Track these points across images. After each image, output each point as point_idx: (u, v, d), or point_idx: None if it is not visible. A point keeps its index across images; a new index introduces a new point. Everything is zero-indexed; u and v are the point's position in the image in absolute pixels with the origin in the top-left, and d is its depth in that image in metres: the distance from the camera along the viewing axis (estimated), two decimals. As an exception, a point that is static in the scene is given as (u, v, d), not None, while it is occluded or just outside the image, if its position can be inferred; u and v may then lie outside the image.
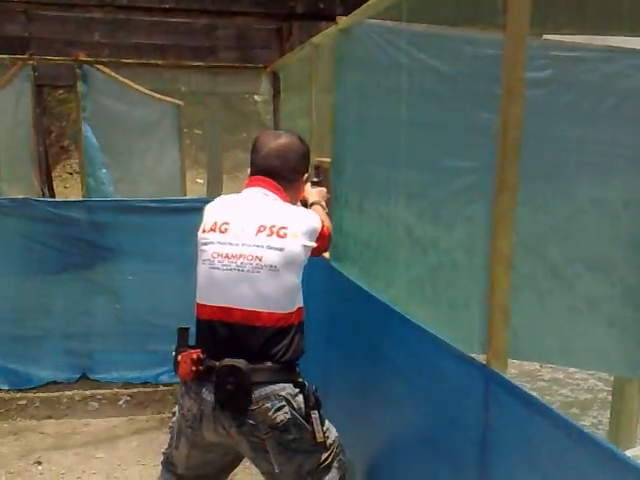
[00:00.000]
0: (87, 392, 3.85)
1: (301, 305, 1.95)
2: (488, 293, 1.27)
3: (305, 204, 2.22)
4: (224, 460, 2.07)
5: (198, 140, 15.03)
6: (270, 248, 1.86)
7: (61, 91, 10.06)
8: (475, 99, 1.89)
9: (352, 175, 2.19)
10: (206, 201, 3.18)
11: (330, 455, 1.95)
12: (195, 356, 1.87)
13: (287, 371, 1.89)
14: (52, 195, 3.70)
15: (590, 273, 1.80)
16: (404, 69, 1.90)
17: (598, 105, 2.06)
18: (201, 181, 13.44)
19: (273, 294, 1.86)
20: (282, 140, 2.01)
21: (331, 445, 1.95)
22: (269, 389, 1.85)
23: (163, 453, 2.13)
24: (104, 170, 3.88)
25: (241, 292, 1.86)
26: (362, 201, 2.09)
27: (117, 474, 3.11)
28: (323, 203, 2.25)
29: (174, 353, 1.96)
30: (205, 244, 1.94)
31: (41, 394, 3.82)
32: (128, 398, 3.86)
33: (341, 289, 2.30)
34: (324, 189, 2.32)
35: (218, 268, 1.90)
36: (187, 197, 4.03)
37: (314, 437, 1.87)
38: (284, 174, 1.99)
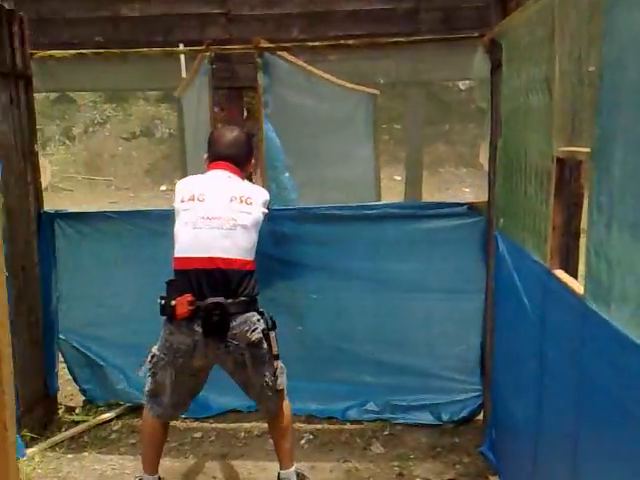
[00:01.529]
0: (266, 425, 3.37)
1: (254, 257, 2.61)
2: None
3: None
4: (197, 384, 2.69)
5: (397, 135, 14.50)
6: (242, 212, 2.53)
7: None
8: None
9: (630, 172, 1.36)
10: (404, 206, 3.00)
11: (277, 368, 2.62)
12: (190, 298, 2.45)
13: (253, 303, 2.57)
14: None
15: None
16: None
17: None
18: (399, 178, 12.93)
19: (244, 245, 2.53)
20: (236, 133, 2.71)
21: (274, 359, 2.60)
22: (244, 317, 2.51)
23: (146, 391, 2.64)
24: (287, 174, 3.37)
25: (223, 244, 2.48)
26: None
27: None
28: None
29: (163, 301, 2.49)
30: (186, 210, 2.54)
31: (218, 425, 3.43)
32: (311, 437, 3.32)
33: (607, 340, 1.49)
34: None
35: (201, 228, 2.50)
36: (381, 202, 3.38)
37: (270, 351, 2.57)
38: (240, 160, 2.67)
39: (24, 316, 3.08)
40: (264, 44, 3.23)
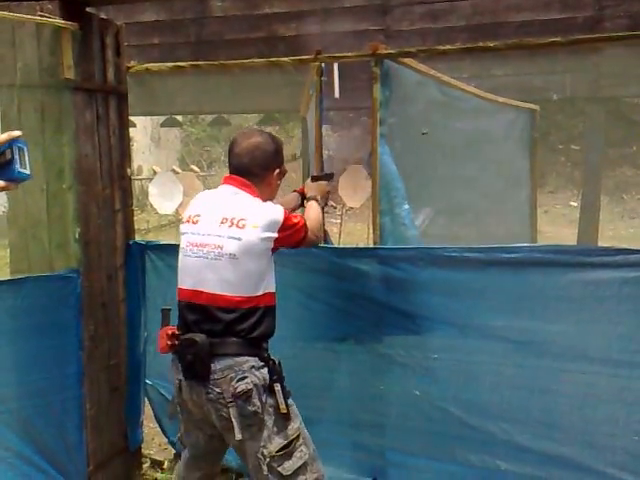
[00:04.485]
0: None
1: (270, 290, 2.22)
2: None
3: (304, 197, 2.61)
4: (211, 444, 2.32)
5: (575, 157, 13.10)
6: (230, 238, 2.16)
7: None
8: None
9: None
10: (557, 250, 2.49)
11: (292, 443, 2.17)
12: (170, 332, 2.22)
13: (252, 346, 2.17)
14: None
15: None
16: None
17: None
18: (575, 204, 11.60)
19: (233, 279, 2.15)
20: (252, 140, 2.29)
21: (294, 432, 2.18)
22: (232, 361, 2.14)
23: (178, 438, 2.43)
24: (406, 206, 2.76)
25: (206, 277, 2.18)
26: None
27: None
28: (319, 197, 2.57)
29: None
30: (182, 234, 2.29)
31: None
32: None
33: None
34: (324, 183, 2.65)
35: (190, 256, 2.23)
36: (525, 244, 2.65)
37: (278, 408, 2.14)
38: (253, 171, 2.27)
39: (101, 360, 2.76)
40: (383, 50, 2.67)
